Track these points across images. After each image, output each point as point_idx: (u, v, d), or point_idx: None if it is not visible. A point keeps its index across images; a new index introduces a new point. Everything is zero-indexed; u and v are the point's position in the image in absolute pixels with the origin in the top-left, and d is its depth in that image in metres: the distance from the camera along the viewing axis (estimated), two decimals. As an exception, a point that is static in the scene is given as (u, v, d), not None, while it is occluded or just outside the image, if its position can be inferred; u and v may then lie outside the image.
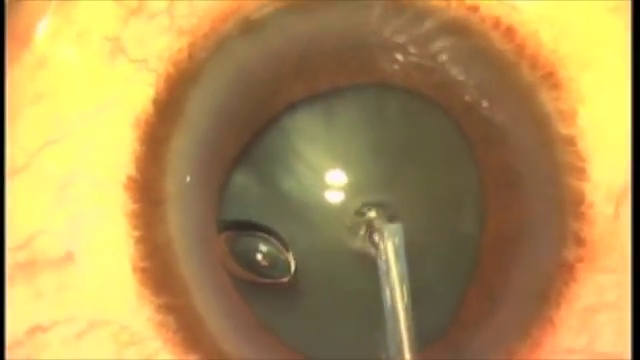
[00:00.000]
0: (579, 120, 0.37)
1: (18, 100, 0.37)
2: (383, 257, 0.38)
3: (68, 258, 0.37)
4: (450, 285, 0.40)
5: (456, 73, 0.38)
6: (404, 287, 0.37)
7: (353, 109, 0.40)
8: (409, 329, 0.37)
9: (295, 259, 0.40)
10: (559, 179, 0.37)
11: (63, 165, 0.37)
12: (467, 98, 0.38)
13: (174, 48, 0.37)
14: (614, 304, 0.37)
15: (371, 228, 0.39)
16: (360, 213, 0.40)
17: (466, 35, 0.37)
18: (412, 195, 0.40)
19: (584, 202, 0.37)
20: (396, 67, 0.39)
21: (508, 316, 0.38)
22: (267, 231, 0.40)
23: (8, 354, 0.36)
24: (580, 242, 0.37)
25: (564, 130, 0.37)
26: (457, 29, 0.37)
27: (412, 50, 0.38)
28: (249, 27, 0.37)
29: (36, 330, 0.37)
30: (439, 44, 0.38)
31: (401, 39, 0.38)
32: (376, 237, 0.39)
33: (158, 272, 0.37)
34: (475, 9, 0.37)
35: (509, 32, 0.37)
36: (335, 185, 0.40)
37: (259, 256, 0.40)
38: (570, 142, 0.37)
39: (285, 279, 0.39)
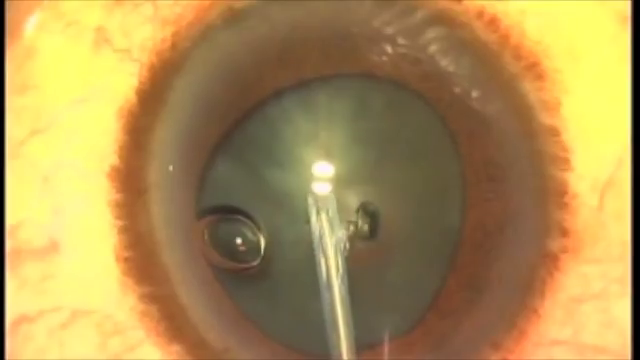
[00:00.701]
0: (563, 111, 0.37)
1: (5, 90, 0.37)
2: (317, 228, 0.38)
3: (52, 247, 0.37)
4: (429, 275, 0.40)
5: (444, 65, 0.38)
6: (339, 259, 0.38)
7: (338, 99, 0.40)
8: (343, 302, 0.37)
9: (270, 244, 0.40)
10: (543, 170, 0.37)
11: (47, 155, 0.37)
12: (454, 90, 0.38)
13: (157, 38, 0.37)
14: (599, 294, 0.37)
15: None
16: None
17: (452, 26, 0.37)
18: (394, 186, 0.40)
19: (568, 192, 0.37)
20: (384, 58, 0.39)
21: (492, 306, 0.38)
22: (243, 214, 0.40)
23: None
24: (564, 232, 0.37)
25: (548, 120, 0.37)
26: (444, 20, 0.37)
27: (401, 41, 0.38)
28: (233, 16, 0.37)
29: (22, 320, 0.37)
30: (427, 36, 0.38)
31: (390, 30, 0.38)
32: (312, 209, 0.39)
33: (141, 261, 0.37)
34: (459, -1, 0.37)
35: (493, 22, 0.37)
36: (317, 174, 0.40)
37: (238, 240, 0.39)
38: (554, 132, 0.37)
39: (255, 262, 0.39)
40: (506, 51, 0.37)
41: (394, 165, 0.40)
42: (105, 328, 0.37)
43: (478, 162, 0.39)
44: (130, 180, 0.37)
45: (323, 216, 0.38)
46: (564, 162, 0.37)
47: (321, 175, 0.40)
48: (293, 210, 0.40)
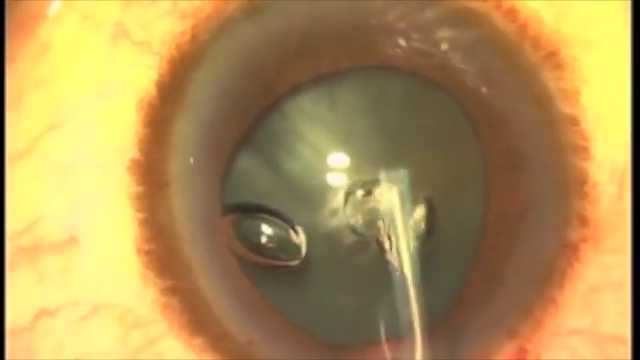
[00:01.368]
0: (582, 100, 0.37)
1: (21, 85, 0.37)
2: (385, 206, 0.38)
3: (72, 241, 0.37)
4: (453, 267, 0.40)
5: (459, 58, 0.38)
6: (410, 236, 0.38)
7: (356, 91, 0.40)
8: (416, 286, 0.37)
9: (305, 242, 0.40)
10: (562, 159, 0.37)
11: (66, 149, 0.37)
12: (470, 83, 0.38)
13: (177, 31, 0.37)
14: (618, 284, 0.37)
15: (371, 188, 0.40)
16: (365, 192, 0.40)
17: (469, 17, 0.37)
18: (415, 177, 0.40)
19: (588, 182, 0.37)
20: (399, 51, 0.39)
21: (511, 297, 0.38)
22: (273, 213, 0.40)
23: (15, 340, 0.36)
24: (584, 222, 0.37)
25: (567, 110, 0.37)
26: (460, 11, 0.37)
27: (415, 36, 0.38)
28: (252, 9, 0.37)
29: (42, 314, 0.37)
30: (443, 30, 0.38)
31: (403, 25, 0.38)
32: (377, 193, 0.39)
33: (162, 254, 0.37)
34: (477, -11, 0.37)
35: (511, 12, 0.37)
36: (338, 167, 0.40)
37: (264, 239, 0.39)
38: (573, 122, 0.37)
39: (296, 262, 0.39)
40: (525, 41, 0.37)
41: (415, 156, 0.40)
42: (126, 321, 0.37)
43: (499, 151, 0.39)
44: (151, 173, 0.37)
45: (395, 191, 0.38)
46: (584, 151, 0.37)
47: (342, 167, 0.40)
48: (316, 203, 0.40)
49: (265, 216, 0.40)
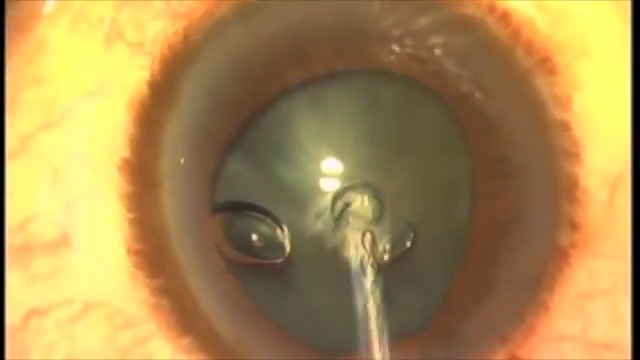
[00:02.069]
0: (574, 105, 0.37)
1: (15, 84, 0.37)
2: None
3: (63, 241, 0.37)
4: (439, 271, 0.40)
5: (453, 64, 0.38)
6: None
7: (349, 95, 0.40)
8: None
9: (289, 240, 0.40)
10: (553, 164, 0.37)
11: (58, 148, 0.37)
12: (463, 88, 0.38)
13: (169, 31, 0.37)
14: (608, 290, 0.37)
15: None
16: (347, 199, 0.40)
17: (463, 23, 0.37)
18: (405, 181, 0.40)
19: (578, 187, 0.37)
20: (392, 57, 0.39)
21: (501, 301, 0.38)
22: (261, 211, 0.40)
23: (6, 340, 0.36)
24: (574, 227, 0.37)
25: (559, 115, 0.37)
26: (454, 17, 0.37)
27: (409, 42, 0.38)
28: (245, 10, 0.37)
29: (33, 314, 0.37)
30: (437, 36, 0.38)
31: (398, 31, 0.38)
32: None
33: (152, 254, 0.37)
34: (471, -6, 0.37)
35: (504, 17, 0.37)
36: (328, 171, 0.40)
37: (254, 237, 0.40)
38: (565, 127, 0.37)
39: (279, 260, 0.39)
40: (518, 46, 0.37)
41: (405, 161, 0.40)
42: (116, 321, 0.37)
43: (489, 157, 0.39)
44: (141, 173, 0.37)
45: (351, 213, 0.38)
46: (575, 157, 0.37)
47: (332, 171, 0.40)
48: (305, 206, 0.40)
49: (252, 214, 0.40)
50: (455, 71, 0.38)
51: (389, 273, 0.40)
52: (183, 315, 0.37)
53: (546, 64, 0.37)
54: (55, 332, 0.37)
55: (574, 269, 0.37)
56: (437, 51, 0.38)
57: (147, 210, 0.37)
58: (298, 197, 0.40)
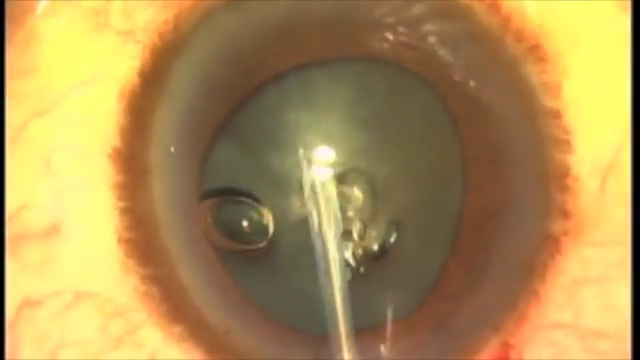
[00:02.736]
0: (564, 93, 0.37)
1: (6, 75, 0.37)
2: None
3: (54, 230, 0.37)
4: (430, 257, 0.40)
5: (445, 52, 0.38)
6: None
7: (339, 82, 0.40)
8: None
9: (275, 225, 0.40)
10: (544, 152, 0.37)
11: (49, 138, 0.37)
12: (455, 77, 0.38)
13: (160, 20, 0.37)
14: (600, 278, 0.37)
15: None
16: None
17: (454, 11, 0.37)
18: (395, 168, 0.40)
19: (569, 175, 0.37)
20: (385, 45, 0.39)
21: (493, 289, 0.38)
22: (247, 195, 0.40)
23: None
24: (565, 215, 0.37)
25: (549, 103, 0.37)
26: (446, 4, 0.37)
27: (401, 30, 0.38)
28: (234, -2, 0.37)
29: (26, 304, 0.37)
30: (430, 24, 0.38)
31: (392, 19, 0.38)
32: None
33: (143, 243, 0.37)
34: (460, -18, 0.37)
35: (494, 5, 0.37)
36: (318, 158, 0.40)
37: (240, 222, 0.40)
38: (555, 115, 0.37)
39: (263, 243, 0.39)
40: (508, 34, 0.37)
41: (395, 148, 0.40)
42: (107, 310, 0.37)
43: (479, 145, 0.39)
44: (132, 162, 0.37)
45: (322, 203, 0.38)
46: (565, 144, 0.37)
47: (322, 159, 0.40)
48: (293, 193, 0.40)
49: (239, 198, 0.40)
50: (446, 59, 0.38)
51: (380, 259, 0.40)
52: (174, 303, 0.37)
53: (536, 52, 0.37)
54: (47, 322, 0.37)
55: (566, 257, 0.37)
56: (430, 39, 0.38)
57: (137, 199, 0.37)
58: (287, 183, 0.40)
